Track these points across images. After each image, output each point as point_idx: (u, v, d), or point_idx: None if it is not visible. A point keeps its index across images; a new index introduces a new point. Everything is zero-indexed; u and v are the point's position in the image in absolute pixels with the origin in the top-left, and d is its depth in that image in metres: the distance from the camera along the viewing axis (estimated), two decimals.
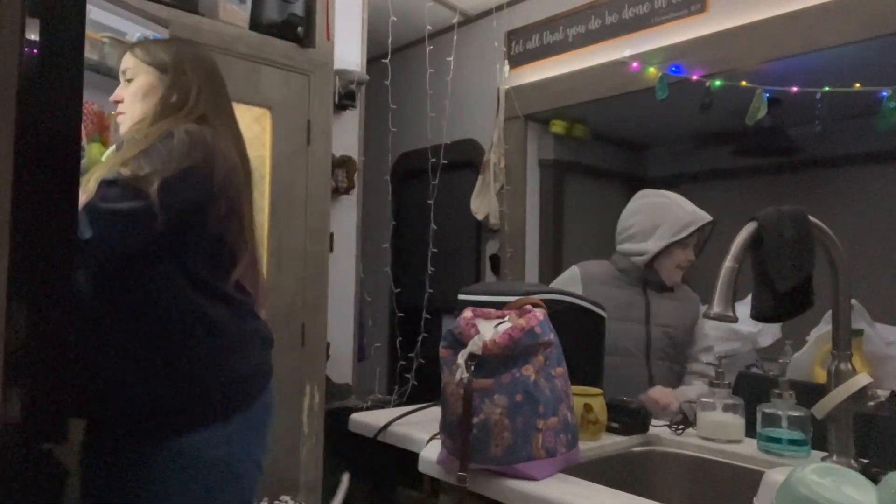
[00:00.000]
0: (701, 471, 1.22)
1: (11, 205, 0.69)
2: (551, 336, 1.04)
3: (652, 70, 2.81)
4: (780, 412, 1.18)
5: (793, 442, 1.15)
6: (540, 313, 1.04)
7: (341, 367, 2.88)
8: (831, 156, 3.59)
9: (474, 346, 0.98)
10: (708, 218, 1.88)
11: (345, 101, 2.81)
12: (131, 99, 1.32)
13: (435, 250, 3.06)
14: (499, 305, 1.12)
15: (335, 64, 2.51)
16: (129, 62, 1.34)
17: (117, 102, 1.34)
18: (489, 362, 0.99)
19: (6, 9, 0.68)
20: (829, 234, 1.09)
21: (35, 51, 0.70)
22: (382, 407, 2.44)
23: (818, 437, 1.14)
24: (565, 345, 1.08)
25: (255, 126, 2.29)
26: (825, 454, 1.09)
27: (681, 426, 1.32)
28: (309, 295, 2.33)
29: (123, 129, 1.32)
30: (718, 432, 1.25)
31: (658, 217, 1.88)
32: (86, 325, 1.11)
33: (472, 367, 0.97)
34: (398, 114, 3.00)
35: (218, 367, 1.19)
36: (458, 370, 0.97)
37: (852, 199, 3.48)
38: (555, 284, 2.00)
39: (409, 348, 2.96)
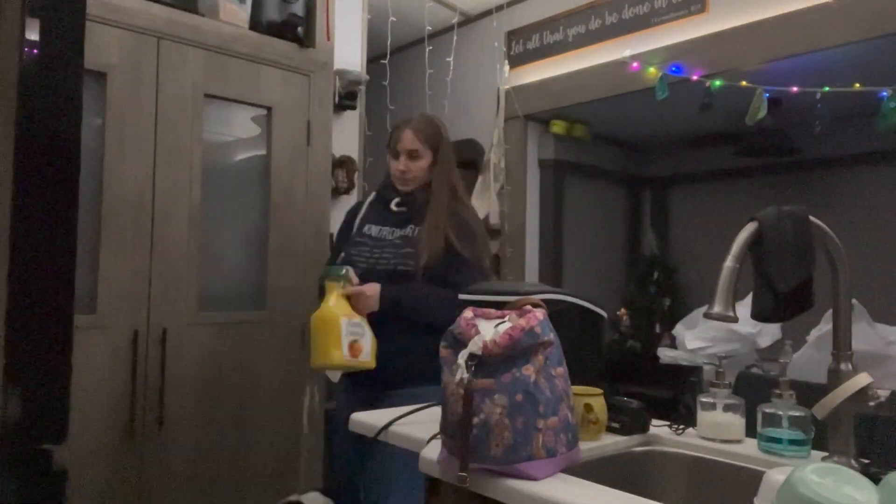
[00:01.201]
0: (701, 471, 1.22)
1: (11, 205, 0.69)
2: (551, 336, 1.04)
3: (652, 70, 2.81)
4: (780, 412, 1.18)
5: (793, 442, 1.15)
6: (540, 313, 1.04)
7: None
8: (831, 156, 3.59)
9: (474, 345, 0.98)
10: None
11: (345, 101, 2.81)
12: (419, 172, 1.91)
13: None
14: (499, 305, 1.12)
15: (335, 64, 2.51)
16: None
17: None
18: (489, 362, 0.98)
19: (6, 9, 0.68)
20: (829, 234, 1.09)
21: (35, 51, 0.70)
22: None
23: (818, 437, 1.14)
24: (565, 345, 1.08)
25: (254, 126, 2.29)
26: (825, 454, 1.09)
27: (681, 426, 1.32)
28: (309, 295, 2.33)
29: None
30: (719, 432, 1.25)
31: None
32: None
33: (473, 368, 0.97)
34: (398, 114, 3.00)
35: None
36: (459, 370, 0.97)
37: (852, 199, 3.48)
38: None
39: None
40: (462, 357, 0.98)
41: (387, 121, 2.95)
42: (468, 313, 1.05)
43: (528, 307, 1.08)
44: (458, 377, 0.97)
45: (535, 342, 1.00)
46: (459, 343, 1.02)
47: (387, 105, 2.94)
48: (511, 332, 0.99)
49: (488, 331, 1.01)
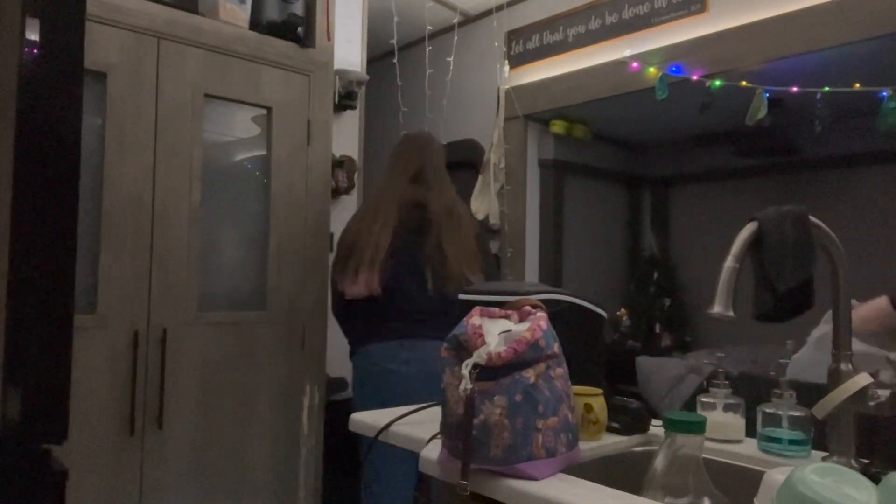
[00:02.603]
0: None
1: (11, 205, 0.69)
2: (555, 348, 1.03)
3: (652, 70, 2.81)
4: (780, 412, 1.18)
5: (793, 442, 1.15)
6: (543, 322, 1.03)
7: (340, 365, 2.88)
8: (831, 156, 3.59)
9: (479, 357, 0.97)
10: None
11: (345, 101, 2.81)
12: None
13: None
14: (499, 306, 1.12)
15: (335, 64, 2.51)
16: None
17: None
18: (491, 368, 0.98)
19: (6, 9, 0.68)
20: (829, 234, 1.09)
21: (35, 51, 0.70)
22: None
23: (818, 437, 1.14)
24: (565, 345, 1.07)
25: (254, 126, 2.29)
26: (825, 454, 1.09)
27: None
28: (309, 295, 2.33)
29: None
30: (718, 432, 1.25)
31: None
32: None
33: (475, 375, 0.96)
34: (402, 113, 3.01)
35: None
36: (463, 381, 0.96)
37: (852, 199, 3.48)
38: None
39: None
40: (466, 367, 0.97)
41: (397, 119, 2.96)
42: (476, 320, 1.04)
43: (528, 308, 1.08)
44: (462, 387, 0.96)
45: (540, 355, 1.00)
46: (463, 349, 1.01)
47: (398, 104, 2.94)
48: (516, 347, 0.98)
49: (493, 337, 1.00)
